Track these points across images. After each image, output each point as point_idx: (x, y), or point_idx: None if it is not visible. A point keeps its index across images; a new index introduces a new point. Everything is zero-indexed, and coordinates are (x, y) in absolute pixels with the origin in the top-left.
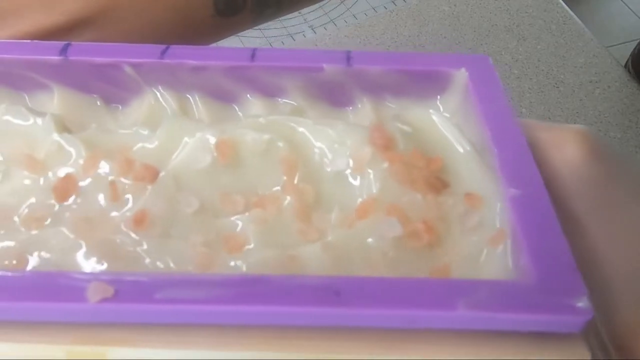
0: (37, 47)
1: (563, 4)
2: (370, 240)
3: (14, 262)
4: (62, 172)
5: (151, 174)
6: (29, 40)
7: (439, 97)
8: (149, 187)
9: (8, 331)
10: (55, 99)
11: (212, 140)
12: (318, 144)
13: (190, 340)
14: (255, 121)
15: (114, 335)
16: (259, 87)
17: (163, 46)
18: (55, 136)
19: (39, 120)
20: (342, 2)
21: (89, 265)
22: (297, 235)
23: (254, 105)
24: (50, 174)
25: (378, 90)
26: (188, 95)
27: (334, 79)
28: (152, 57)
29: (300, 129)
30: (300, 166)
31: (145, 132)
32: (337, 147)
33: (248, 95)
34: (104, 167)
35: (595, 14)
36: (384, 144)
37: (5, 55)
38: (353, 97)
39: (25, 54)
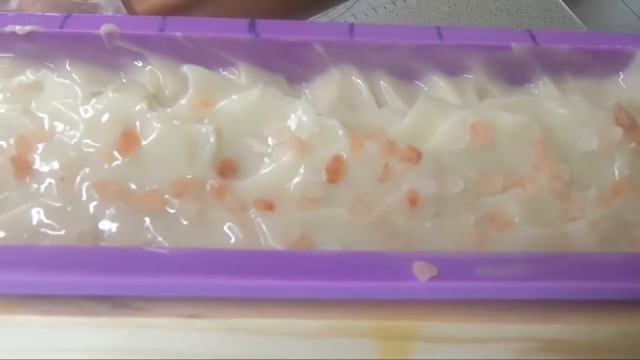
0: (227, 25)
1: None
2: (630, 217)
3: (298, 238)
4: (329, 153)
5: (416, 155)
6: (217, 18)
7: (621, 74)
8: (413, 167)
9: (320, 309)
10: (243, 77)
11: (469, 121)
12: (565, 124)
13: (501, 315)
14: (505, 102)
15: (424, 311)
16: (442, 65)
17: (348, 24)
18: (316, 117)
19: (297, 102)
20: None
21: (369, 244)
22: (559, 213)
23: (438, 83)
24: (316, 154)
25: (560, 68)
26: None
27: (517, 57)
28: (342, 35)
29: (548, 109)
30: (552, 146)
31: (396, 113)
32: (583, 127)
33: (432, 75)
34: (368, 148)
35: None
36: (630, 124)
37: (196, 34)
38: (533, 75)
39: (215, 32)
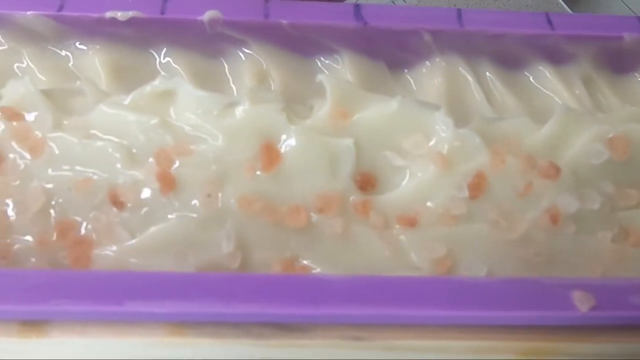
0: (333, 12)
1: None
2: None
3: (443, 256)
4: (470, 168)
5: (555, 171)
6: (321, 3)
7: None
8: (553, 183)
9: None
10: (346, 65)
11: (607, 135)
12: None
13: None
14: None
15: (577, 334)
16: (550, 55)
17: (455, 9)
18: (456, 130)
19: (435, 114)
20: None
21: (513, 262)
22: None
23: (543, 73)
24: (457, 169)
25: None
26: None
27: (626, 46)
28: (451, 23)
29: None
30: None
31: (531, 124)
32: None
33: (538, 64)
34: (509, 163)
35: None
36: None
37: (302, 20)
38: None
39: (322, 19)
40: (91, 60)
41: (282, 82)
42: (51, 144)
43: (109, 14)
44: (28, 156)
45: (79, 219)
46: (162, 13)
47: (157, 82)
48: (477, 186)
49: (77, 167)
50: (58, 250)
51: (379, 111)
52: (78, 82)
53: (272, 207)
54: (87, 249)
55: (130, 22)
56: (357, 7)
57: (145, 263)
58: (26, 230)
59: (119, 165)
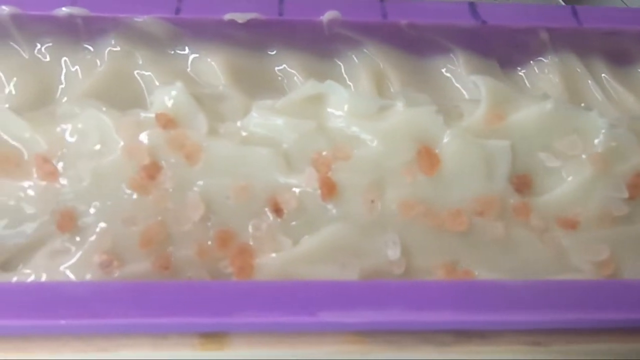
0: (449, 11)
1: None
2: None
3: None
4: (627, 169)
5: None
6: (436, 2)
7: None
8: None
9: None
10: (461, 64)
11: None
12: None
13: None
14: None
15: None
16: None
17: (570, 7)
18: (612, 129)
19: (589, 114)
20: None
21: None
22: None
23: None
24: (614, 170)
25: None
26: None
27: None
28: (568, 21)
29: None
30: None
31: None
32: None
33: None
34: None
35: None
36: None
37: (421, 20)
38: None
39: (439, 19)
40: (208, 64)
41: (401, 83)
42: (207, 151)
43: (227, 17)
44: (184, 164)
45: (237, 227)
46: (280, 14)
47: (308, 85)
48: (636, 186)
49: (234, 175)
50: (218, 260)
51: (532, 112)
52: (220, 87)
53: (433, 212)
54: (249, 258)
55: (248, 24)
56: (472, 5)
57: (309, 271)
58: (185, 240)
59: (276, 172)
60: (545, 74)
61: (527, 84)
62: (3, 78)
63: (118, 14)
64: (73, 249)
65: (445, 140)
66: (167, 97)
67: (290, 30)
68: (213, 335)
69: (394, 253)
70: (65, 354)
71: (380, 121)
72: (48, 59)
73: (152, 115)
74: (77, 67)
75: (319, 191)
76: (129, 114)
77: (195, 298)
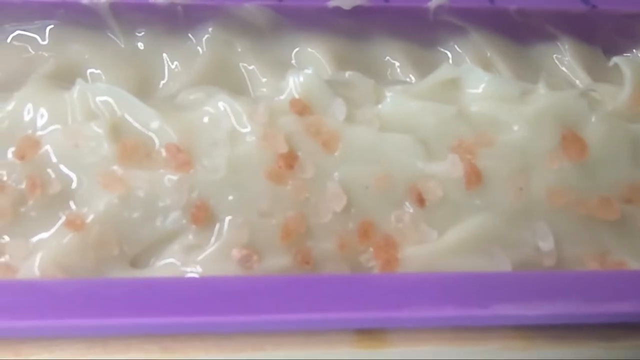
0: None
1: None
2: None
3: None
4: None
5: None
6: None
7: None
8: None
9: None
10: (567, 50)
11: None
12: None
13: None
14: None
15: None
16: None
17: None
18: None
19: None
20: None
21: None
22: None
23: None
24: None
25: None
26: None
27: None
28: None
29: None
30: None
31: None
32: None
33: None
34: None
35: None
36: None
37: (529, 6)
38: None
39: (548, 4)
40: (310, 52)
41: (510, 72)
42: (345, 138)
43: (332, 3)
44: (322, 152)
45: (379, 218)
46: (386, 1)
47: (444, 69)
48: None
49: (373, 162)
50: (359, 253)
51: None
52: (347, 73)
53: (582, 200)
54: (393, 251)
55: (353, 11)
56: None
57: (458, 263)
58: (325, 232)
59: (416, 159)
60: None
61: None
62: (100, 69)
63: (220, 1)
64: (208, 242)
65: (591, 124)
66: (300, 82)
67: (395, 17)
68: (370, 332)
69: (546, 244)
70: (219, 354)
71: (524, 105)
72: (145, 48)
73: (286, 101)
74: (176, 56)
75: (463, 179)
76: (260, 100)
77: (351, 292)
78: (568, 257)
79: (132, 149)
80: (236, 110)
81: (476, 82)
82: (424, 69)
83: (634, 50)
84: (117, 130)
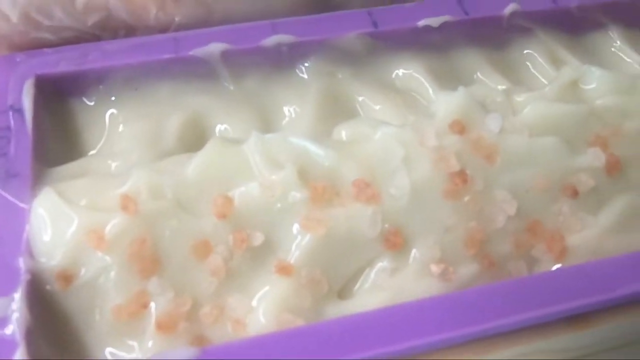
0: None
1: None
2: None
3: None
4: None
5: None
6: None
7: None
8: None
9: None
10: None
11: None
12: None
13: None
14: None
15: None
16: None
17: None
18: None
19: None
20: None
21: None
22: None
23: None
24: None
25: None
26: None
27: None
28: None
29: None
30: None
31: None
32: None
33: None
34: None
35: None
36: None
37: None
38: None
39: None
40: (409, 74)
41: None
42: (502, 149)
43: (422, 23)
44: (485, 164)
45: (543, 215)
46: (467, 14)
47: (567, 71)
48: None
49: (529, 166)
50: (531, 249)
51: None
52: (476, 87)
53: None
54: (561, 241)
55: (441, 27)
56: None
57: (617, 240)
58: (501, 235)
59: (564, 158)
60: None
61: None
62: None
63: (320, 36)
64: (406, 264)
65: None
66: (451, 102)
67: (475, 27)
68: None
69: None
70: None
71: (637, 94)
72: (256, 89)
73: (444, 122)
74: (287, 94)
75: (604, 168)
76: (419, 123)
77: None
78: None
79: (322, 190)
80: (405, 137)
81: (594, 79)
82: (504, 70)
83: None
84: (303, 175)
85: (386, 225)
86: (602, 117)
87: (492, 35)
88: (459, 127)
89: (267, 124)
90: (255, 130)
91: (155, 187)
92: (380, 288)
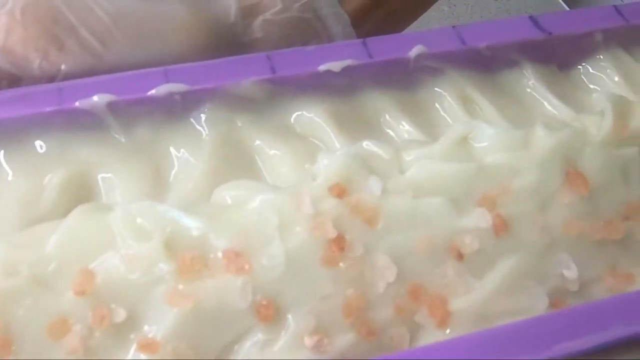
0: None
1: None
2: None
3: None
4: None
5: None
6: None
7: None
8: None
9: None
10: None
11: None
12: None
13: None
14: None
15: None
16: None
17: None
18: None
19: None
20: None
21: None
22: None
23: None
24: None
25: None
26: None
27: None
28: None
29: None
30: None
31: None
32: None
33: None
34: None
35: None
36: None
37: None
38: None
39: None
40: (310, 118)
41: (489, 103)
42: (384, 211)
43: (323, 67)
44: (365, 228)
45: (426, 278)
46: (371, 57)
47: (456, 128)
48: None
49: (413, 228)
50: (414, 314)
51: None
52: (364, 143)
53: (591, 226)
54: (444, 305)
55: (343, 71)
56: (532, 18)
57: (502, 302)
58: (382, 301)
59: (450, 218)
60: (603, 71)
61: (587, 82)
62: (110, 171)
63: (215, 83)
64: (278, 335)
65: (586, 157)
66: (332, 165)
67: (380, 70)
68: None
69: (571, 273)
70: None
71: (529, 150)
72: (148, 140)
73: (323, 187)
74: (182, 144)
75: (491, 229)
76: (296, 189)
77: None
78: (587, 279)
79: (190, 262)
80: (281, 204)
81: (483, 136)
82: (414, 113)
83: (584, 64)
84: (171, 246)
85: (258, 296)
86: (491, 174)
87: (399, 77)
88: (339, 191)
89: (159, 175)
90: (146, 182)
91: (10, 264)
92: None
